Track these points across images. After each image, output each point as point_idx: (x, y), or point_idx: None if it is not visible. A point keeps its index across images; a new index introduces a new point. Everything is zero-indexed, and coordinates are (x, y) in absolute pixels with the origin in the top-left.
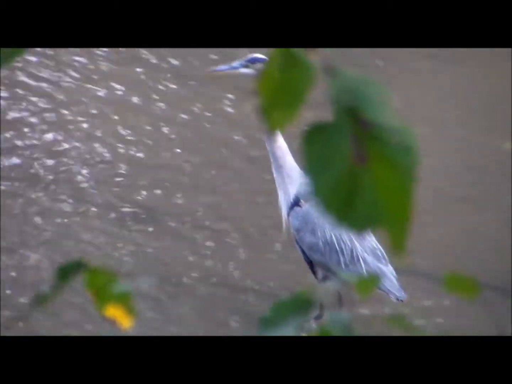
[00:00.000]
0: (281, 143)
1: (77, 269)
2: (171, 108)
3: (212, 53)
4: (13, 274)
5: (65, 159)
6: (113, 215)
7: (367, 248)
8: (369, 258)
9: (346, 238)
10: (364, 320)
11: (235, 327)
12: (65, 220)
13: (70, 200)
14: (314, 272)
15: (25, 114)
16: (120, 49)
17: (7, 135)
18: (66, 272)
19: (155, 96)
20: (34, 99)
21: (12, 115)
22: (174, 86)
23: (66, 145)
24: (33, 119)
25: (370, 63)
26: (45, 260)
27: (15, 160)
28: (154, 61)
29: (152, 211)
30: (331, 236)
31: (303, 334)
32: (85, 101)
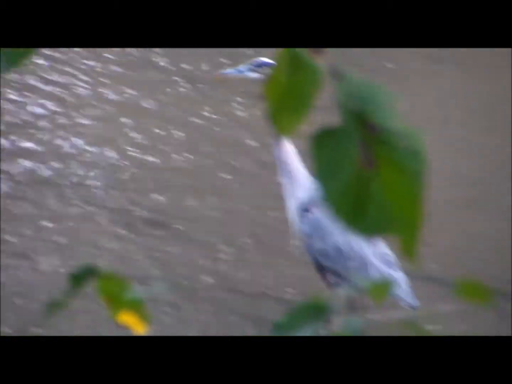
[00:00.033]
0: (289, 148)
1: (89, 275)
2: (182, 112)
3: (223, 57)
4: (25, 279)
5: (76, 163)
6: (125, 219)
7: (378, 254)
8: (380, 264)
9: (356, 244)
10: (376, 325)
11: (249, 333)
12: (77, 225)
13: (82, 204)
14: (323, 278)
15: (36, 117)
16: (131, 53)
17: (19, 138)
18: (79, 278)
19: (166, 100)
20: (45, 102)
21: (23, 118)
22: (185, 90)
23: (77, 149)
24: (44, 123)
25: (369, 63)
26: (57, 265)
27: (27, 164)
28: (165, 64)
29: (164, 215)
30: (341, 242)
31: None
32: (96, 105)
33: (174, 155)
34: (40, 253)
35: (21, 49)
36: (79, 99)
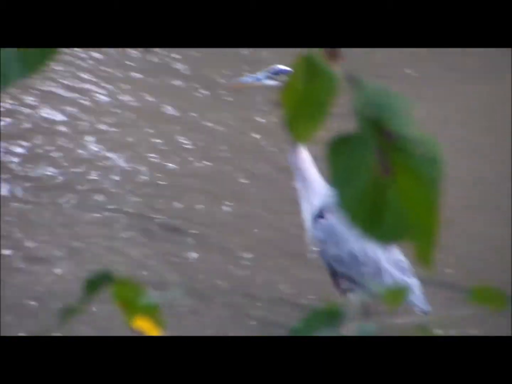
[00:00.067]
0: (304, 155)
1: (105, 281)
2: (203, 118)
3: (243, 63)
4: (42, 284)
5: (94, 168)
6: (142, 224)
7: (392, 261)
8: (394, 271)
9: (370, 250)
10: (389, 331)
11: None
12: (95, 230)
13: (100, 210)
14: (336, 284)
15: (55, 123)
16: (151, 59)
17: (37, 143)
18: (94, 284)
19: (187, 106)
20: (64, 108)
21: (43, 125)
22: (204, 96)
23: (96, 155)
24: (63, 128)
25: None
26: (74, 270)
27: (45, 169)
28: (185, 71)
29: (184, 220)
30: (355, 248)
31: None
32: (115, 111)
33: (192, 161)
34: (57, 258)
35: (41, 50)
36: (99, 105)
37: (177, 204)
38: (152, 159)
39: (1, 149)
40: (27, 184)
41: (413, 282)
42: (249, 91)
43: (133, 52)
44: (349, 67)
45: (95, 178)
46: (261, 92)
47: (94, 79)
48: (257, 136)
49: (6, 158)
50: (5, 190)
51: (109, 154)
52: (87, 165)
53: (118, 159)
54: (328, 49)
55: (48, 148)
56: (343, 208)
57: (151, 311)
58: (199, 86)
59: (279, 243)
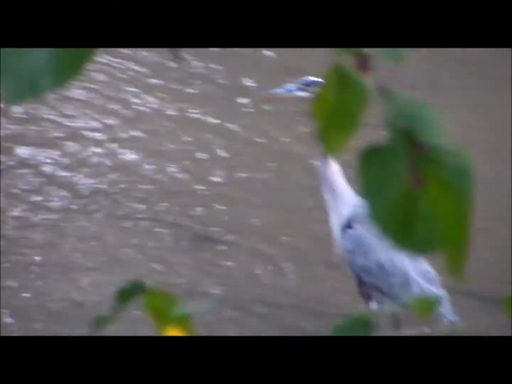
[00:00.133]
0: (334, 166)
1: (137, 291)
2: (244, 127)
3: (284, 73)
4: (76, 293)
5: (134, 177)
6: (180, 233)
7: (419, 271)
8: (421, 281)
9: (398, 260)
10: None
11: None
12: (132, 239)
13: (137, 218)
14: (364, 294)
15: (93, 131)
16: (189, 70)
17: (78, 150)
18: (126, 294)
19: (227, 116)
20: (102, 117)
21: (81, 133)
22: (247, 106)
23: (136, 164)
24: (102, 136)
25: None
26: (109, 278)
27: (87, 178)
28: (224, 80)
29: (225, 229)
30: (383, 258)
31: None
32: (155, 120)
33: (229, 169)
34: (91, 267)
35: (75, 50)
36: (138, 114)
37: (212, 213)
38: (192, 169)
39: (40, 157)
40: (63, 193)
41: (441, 293)
42: (288, 101)
43: (171, 63)
44: (380, 78)
45: (130, 186)
46: (305, 103)
47: (133, 89)
48: (300, 146)
49: (43, 166)
50: (39, 198)
51: (148, 163)
52: (122, 173)
53: (158, 168)
54: (359, 60)
55: (84, 156)
56: (375, 219)
57: (183, 321)
58: (240, 96)
59: (315, 252)
